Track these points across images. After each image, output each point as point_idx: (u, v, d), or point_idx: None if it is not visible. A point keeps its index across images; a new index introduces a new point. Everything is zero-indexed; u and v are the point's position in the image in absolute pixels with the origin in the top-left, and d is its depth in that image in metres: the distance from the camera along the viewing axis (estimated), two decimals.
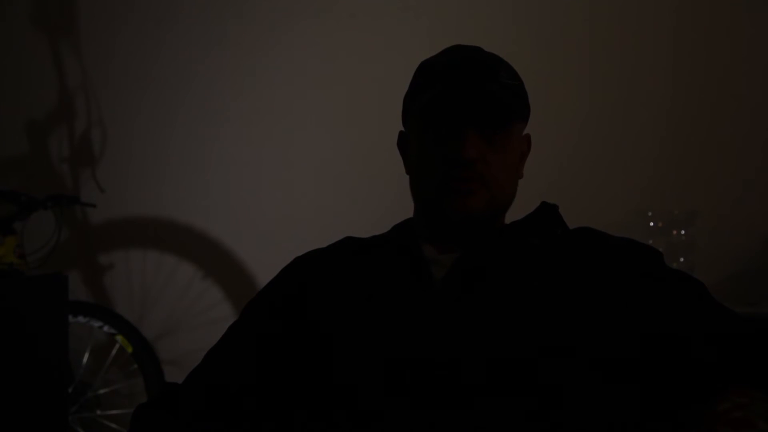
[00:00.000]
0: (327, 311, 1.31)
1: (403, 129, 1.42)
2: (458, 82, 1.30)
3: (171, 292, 3.33)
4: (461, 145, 1.28)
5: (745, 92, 2.91)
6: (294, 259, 1.44)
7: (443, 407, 1.18)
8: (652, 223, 2.79)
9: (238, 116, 3.32)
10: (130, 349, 3.05)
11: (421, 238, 1.36)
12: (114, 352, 3.11)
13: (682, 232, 2.77)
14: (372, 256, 1.37)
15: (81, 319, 3.03)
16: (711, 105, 2.93)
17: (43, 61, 3.43)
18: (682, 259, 2.74)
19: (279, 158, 3.27)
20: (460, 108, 1.29)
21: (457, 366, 1.20)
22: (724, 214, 2.86)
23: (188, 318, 3.31)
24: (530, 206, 1.41)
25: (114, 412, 3.16)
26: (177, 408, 1.32)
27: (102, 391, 3.16)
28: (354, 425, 1.20)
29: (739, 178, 2.88)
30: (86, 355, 3.16)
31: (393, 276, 1.32)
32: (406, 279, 1.31)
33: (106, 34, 3.43)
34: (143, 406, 1.35)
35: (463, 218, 1.30)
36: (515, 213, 1.40)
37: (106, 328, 3.07)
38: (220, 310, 3.29)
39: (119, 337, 3.06)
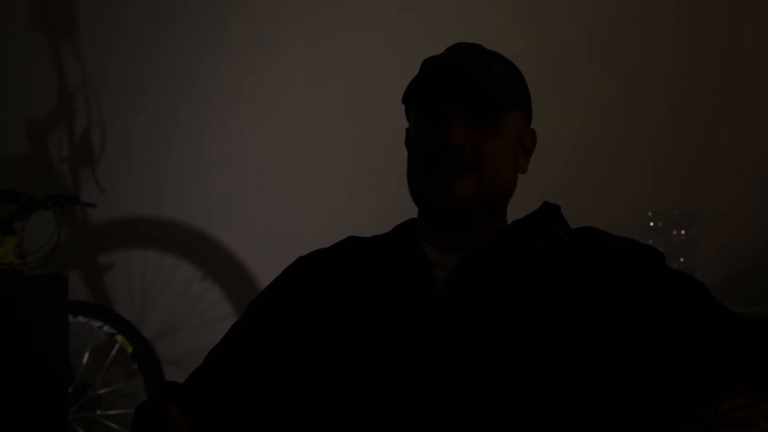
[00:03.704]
0: (329, 311, 1.31)
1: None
2: (450, 71, 1.33)
3: (171, 292, 3.33)
4: (448, 131, 1.29)
5: (746, 92, 2.90)
6: (297, 259, 1.44)
7: (444, 408, 1.18)
8: (652, 223, 2.78)
9: (239, 116, 3.32)
10: (130, 349, 3.05)
11: (424, 239, 1.36)
12: (114, 352, 3.12)
13: (682, 232, 2.77)
14: (375, 257, 1.37)
15: (81, 319, 3.03)
16: (711, 105, 2.92)
17: (43, 61, 3.43)
18: (682, 259, 2.74)
19: (279, 158, 3.27)
20: (449, 93, 1.31)
21: (458, 367, 1.20)
22: (724, 214, 2.85)
23: (188, 318, 3.31)
24: (531, 206, 1.41)
25: (114, 412, 3.16)
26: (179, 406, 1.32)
27: (102, 391, 3.16)
28: (354, 425, 1.20)
29: (739, 178, 2.88)
30: (86, 355, 3.16)
31: (395, 278, 1.32)
32: (408, 281, 1.31)
33: (106, 34, 3.43)
34: (144, 404, 1.35)
35: (449, 206, 1.31)
36: (517, 213, 1.40)
37: (106, 328, 3.07)
38: (220, 310, 3.29)
39: (119, 337, 3.06)
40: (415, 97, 1.36)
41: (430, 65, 1.37)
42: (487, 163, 1.31)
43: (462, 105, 1.31)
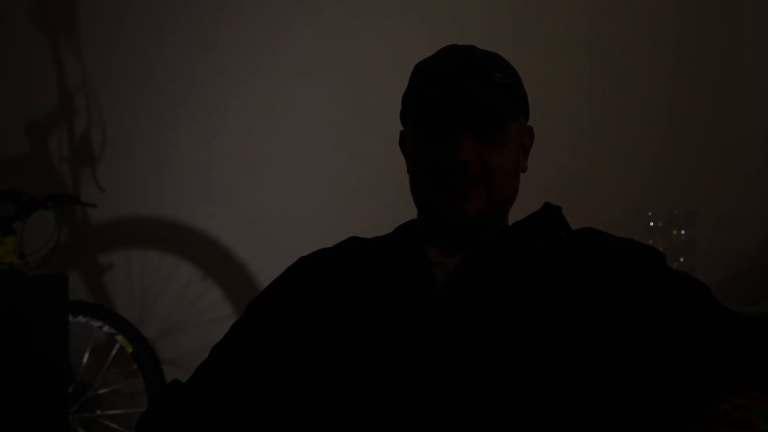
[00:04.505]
0: (330, 312, 1.31)
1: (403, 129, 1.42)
2: (449, 86, 1.31)
3: (171, 292, 3.33)
4: (454, 148, 1.29)
5: (745, 92, 2.90)
6: (299, 259, 1.44)
7: (444, 409, 1.18)
8: (652, 223, 2.79)
9: (239, 116, 3.32)
10: (130, 349, 3.05)
11: (425, 240, 1.36)
12: (114, 352, 3.11)
13: (682, 232, 2.77)
14: (376, 257, 1.37)
15: (81, 319, 3.03)
16: (711, 105, 2.92)
17: (43, 61, 3.43)
18: (682, 259, 2.74)
19: (279, 158, 3.27)
20: (452, 112, 1.30)
21: (459, 368, 1.20)
22: (724, 214, 2.85)
23: (188, 318, 3.31)
24: (531, 206, 1.41)
25: (114, 412, 3.16)
26: (181, 413, 1.32)
27: (102, 391, 3.16)
28: (354, 426, 1.20)
29: (739, 178, 2.88)
30: (86, 355, 3.16)
31: (396, 278, 1.32)
32: (409, 281, 1.31)
33: (106, 34, 3.43)
34: (146, 416, 1.35)
35: (460, 221, 1.31)
36: (517, 213, 1.40)
37: (106, 328, 3.07)
38: (220, 310, 3.28)
39: (119, 337, 3.06)
40: (413, 107, 1.34)
41: (425, 73, 1.35)
42: (494, 175, 1.31)
43: (466, 121, 1.30)
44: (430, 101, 1.32)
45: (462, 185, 1.30)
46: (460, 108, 1.30)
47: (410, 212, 1.43)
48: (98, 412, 3.15)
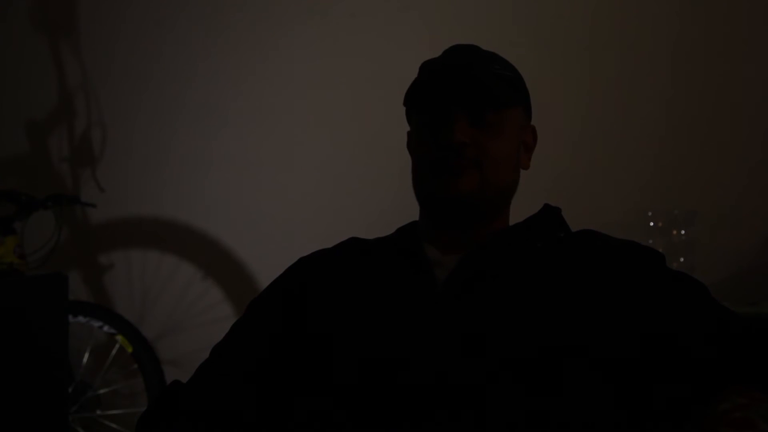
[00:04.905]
0: (329, 312, 1.32)
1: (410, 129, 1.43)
2: (447, 72, 1.34)
3: (171, 292, 3.33)
4: (450, 129, 1.30)
5: (746, 92, 2.90)
6: (299, 259, 1.44)
7: (444, 408, 1.18)
8: (652, 223, 2.79)
9: (239, 116, 3.32)
10: (130, 349, 3.05)
11: (425, 240, 1.36)
12: (114, 352, 3.12)
13: (682, 232, 2.77)
14: (376, 257, 1.38)
15: (81, 319, 3.03)
16: (711, 105, 2.92)
17: (43, 61, 3.43)
18: (682, 259, 2.74)
19: (279, 158, 3.27)
20: (448, 92, 1.32)
21: (458, 367, 1.20)
22: (724, 214, 2.85)
23: (188, 318, 3.31)
24: (531, 205, 1.41)
25: (114, 412, 3.16)
26: (181, 413, 1.32)
27: (102, 391, 3.16)
28: (354, 426, 1.20)
29: (739, 178, 2.88)
30: (86, 355, 3.16)
31: (396, 277, 1.33)
32: (408, 281, 1.32)
33: (106, 34, 3.43)
34: (147, 416, 1.35)
35: (453, 199, 1.31)
36: (517, 212, 1.40)
37: (106, 328, 3.07)
38: (220, 310, 3.29)
39: (119, 337, 3.06)
40: (415, 99, 1.36)
41: (428, 68, 1.37)
42: (488, 160, 1.32)
43: (463, 104, 1.31)
44: (430, 87, 1.34)
45: (457, 167, 1.30)
46: (456, 87, 1.32)
47: (410, 212, 1.43)
48: (98, 412, 3.15)
